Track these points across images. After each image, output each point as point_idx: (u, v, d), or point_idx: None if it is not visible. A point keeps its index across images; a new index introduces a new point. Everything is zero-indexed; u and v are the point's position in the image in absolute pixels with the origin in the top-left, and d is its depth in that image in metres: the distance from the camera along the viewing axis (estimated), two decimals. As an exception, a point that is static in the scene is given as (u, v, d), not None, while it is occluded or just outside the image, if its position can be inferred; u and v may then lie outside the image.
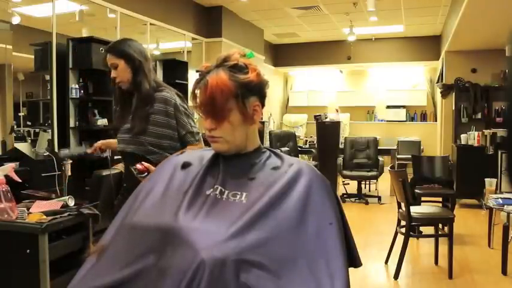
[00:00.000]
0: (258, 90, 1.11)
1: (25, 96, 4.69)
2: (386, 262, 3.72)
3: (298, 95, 10.57)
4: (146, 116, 2.02)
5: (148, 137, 2.03)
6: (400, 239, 3.51)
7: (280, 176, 1.07)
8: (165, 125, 2.04)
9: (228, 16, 7.06)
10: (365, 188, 7.17)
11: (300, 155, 7.51)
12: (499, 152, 5.40)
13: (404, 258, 3.44)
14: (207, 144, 1.19)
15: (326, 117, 7.08)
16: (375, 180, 6.90)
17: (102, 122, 4.18)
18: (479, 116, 6.75)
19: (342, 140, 7.05)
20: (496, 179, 4.70)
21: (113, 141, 2.27)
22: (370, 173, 6.52)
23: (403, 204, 3.55)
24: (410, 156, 5.89)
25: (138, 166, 1.85)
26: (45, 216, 1.86)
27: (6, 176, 1.98)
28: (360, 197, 6.55)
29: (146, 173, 1.84)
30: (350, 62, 9.43)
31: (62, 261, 1.88)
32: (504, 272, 3.42)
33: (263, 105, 1.14)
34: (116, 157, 2.47)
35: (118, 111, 2.17)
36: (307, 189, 1.04)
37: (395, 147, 7.82)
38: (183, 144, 2.09)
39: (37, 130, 3.89)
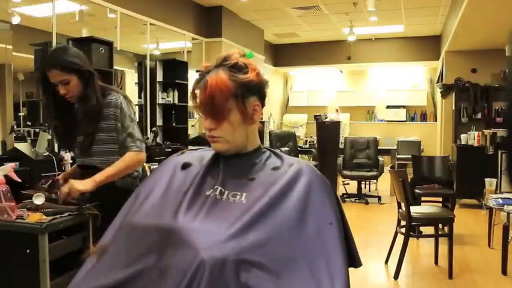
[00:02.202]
0: (258, 90, 1.11)
1: (25, 96, 4.68)
2: (386, 262, 3.72)
3: (298, 95, 10.57)
4: (91, 133, 1.96)
5: (100, 145, 1.98)
6: (400, 239, 3.51)
7: (280, 176, 1.07)
8: (112, 129, 1.98)
9: (228, 16, 7.06)
10: (365, 188, 7.17)
11: (300, 155, 7.51)
12: (499, 152, 5.39)
13: (404, 258, 3.44)
14: (205, 145, 1.19)
15: (326, 117, 7.08)
16: (375, 180, 6.90)
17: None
18: (479, 116, 6.75)
19: (342, 140, 7.05)
20: (496, 179, 4.70)
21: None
22: (370, 173, 6.52)
23: (403, 204, 3.55)
24: (410, 156, 5.89)
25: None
26: (45, 216, 1.86)
27: (6, 176, 1.97)
28: (360, 197, 6.55)
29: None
30: (350, 62, 9.43)
31: (62, 261, 1.88)
32: (504, 272, 3.42)
33: (263, 105, 1.13)
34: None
35: (59, 126, 2.06)
36: (307, 189, 1.04)
37: (395, 147, 7.82)
38: (124, 150, 1.98)
39: (37, 130, 3.89)
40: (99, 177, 1.92)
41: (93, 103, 1.93)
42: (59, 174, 3.12)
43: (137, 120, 2.13)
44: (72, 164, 3.21)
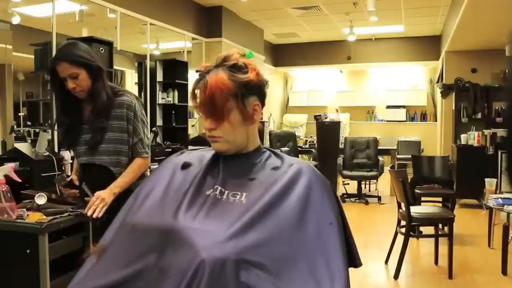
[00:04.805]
0: (258, 89, 1.11)
1: (25, 96, 4.68)
2: (386, 262, 3.72)
3: (298, 95, 10.57)
4: (102, 128, 1.95)
5: (108, 144, 1.97)
6: (400, 239, 3.51)
7: (280, 176, 1.07)
8: (124, 130, 1.97)
9: (228, 16, 7.06)
10: (365, 188, 7.17)
11: (300, 155, 7.51)
12: (499, 152, 5.39)
13: (404, 258, 3.44)
14: (205, 145, 1.19)
15: (326, 117, 7.07)
16: (375, 180, 6.90)
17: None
18: (479, 116, 6.74)
19: (342, 140, 7.05)
20: (496, 179, 4.69)
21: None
22: (370, 173, 6.52)
23: (403, 204, 3.55)
24: (410, 156, 5.89)
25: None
26: (45, 216, 1.86)
27: (6, 176, 1.97)
28: (360, 197, 6.55)
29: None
30: (350, 62, 9.43)
31: (62, 261, 1.88)
32: (504, 272, 3.42)
33: (263, 104, 1.13)
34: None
35: (66, 124, 2.04)
36: (307, 190, 1.04)
37: (395, 147, 7.82)
38: (132, 155, 2.00)
39: (37, 130, 3.89)
40: (117, 189, 1.91)
41: (103, 98, 1.93)
42: (59, 174, 3.13)
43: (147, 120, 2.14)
44: (72, 164, 3.21)
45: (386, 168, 4.34)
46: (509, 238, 3.65)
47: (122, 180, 1.94)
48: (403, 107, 9.77)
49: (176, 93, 5.90)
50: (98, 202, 1.85)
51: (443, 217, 3.69)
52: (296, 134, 7.93)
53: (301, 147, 7.94)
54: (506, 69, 4.51)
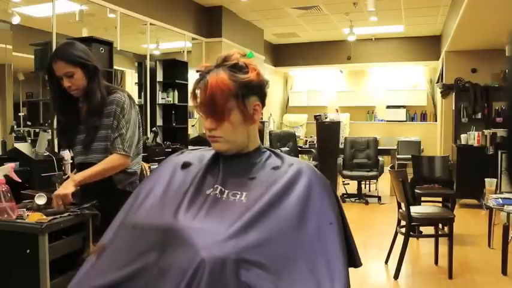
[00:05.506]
0: (258, 89, 1.11)
1: (25, 96, 4.68)
2: (386, 262, 3.72)
3: (298, 95, 10.57)
4: (95, 127, 1.95)
5: (100, 142, 1.97)
6: (400, 239, 3.51)
7: (280, 176, 1.07)
8: (110, 126, 1.96)
9: (228, 16, 7.06)
10: (365, 188, 7.17)
11: (300, 155, 7.52)
12: (499, 152, 5.39)
13: (404, 258, 3.44)
14: (205, 145, 1.19)
15: (326, 117, 7.07)
16: (375, 180, 6.90)
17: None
18: (479, 116, 6.74)
19: (342, 140, 7.05)
20: (496, 179, 4.69)
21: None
22: (370, 173, 6.52)
23: (403, 204, 3.55)
24: (410, 156, 5.89)
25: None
26: (45, 216, 1.86)
27: (6, 176, 1.97)
28: (360, 197, 6.55)
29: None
30: (350, 62, 9.43)
31: (62, 261, 1.88)
32: (504, 272, 3.42)
33: (263, 104, 1.13)
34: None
35: (63, 124, 2.03)
36: (307, 189, 1.04)
37: (395, 147, 7.83)
38: (112, 149, 1.96)
39: (37, 130, 3.89)
40: (79, 177, 1.92)
41: (97, 98, 1.94)
42: (59, 173, 3.13)
43: (139, 120, 2.12)
44: (72, 164, 3.21)
45: (387, 168, 4.34)
46: (509, 238, 3.65)
47: (90, 169, 1.92)
48: (403, 107, 9.77)
49: (176, 93, 5.90)
50: (57, 202, 1.89)
51: (443, 217, 3.69)
52: (296, 134, 7.93)
53: (301, 147, 7.94)
54: (506, 69, 4.51)
